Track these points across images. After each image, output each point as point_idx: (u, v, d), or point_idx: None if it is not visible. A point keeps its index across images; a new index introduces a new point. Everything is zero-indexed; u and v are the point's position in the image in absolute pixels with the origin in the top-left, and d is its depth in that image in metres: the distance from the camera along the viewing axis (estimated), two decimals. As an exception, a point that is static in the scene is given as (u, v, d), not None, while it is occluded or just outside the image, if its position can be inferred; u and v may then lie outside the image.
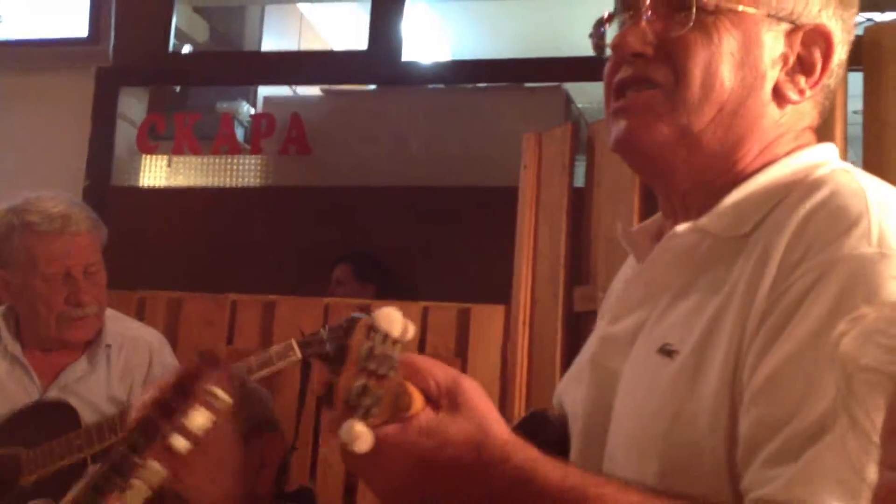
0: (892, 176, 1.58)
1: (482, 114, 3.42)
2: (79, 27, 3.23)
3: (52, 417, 1.91)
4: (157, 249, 3.22)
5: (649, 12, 0.92)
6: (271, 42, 4.19)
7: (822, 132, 1.61)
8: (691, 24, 0.90)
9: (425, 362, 0.79)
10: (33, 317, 1.98)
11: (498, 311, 2.28)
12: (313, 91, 3.88)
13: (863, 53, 1.67)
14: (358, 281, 3.11)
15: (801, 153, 0.93)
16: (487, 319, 2.28)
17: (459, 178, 3.20)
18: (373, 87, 3.74)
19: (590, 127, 2.38)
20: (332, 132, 3.46)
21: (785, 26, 0.92)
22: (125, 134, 3.45)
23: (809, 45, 0.93)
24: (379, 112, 3.51)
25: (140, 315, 2.42)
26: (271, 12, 4.20)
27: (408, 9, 3.30)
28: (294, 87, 4.02)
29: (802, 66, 0.93)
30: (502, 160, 2.72)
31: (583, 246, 2.14)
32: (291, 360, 1.87)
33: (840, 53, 0.94)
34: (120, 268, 2.30)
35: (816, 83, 0.93)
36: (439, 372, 0.78)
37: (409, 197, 3.23)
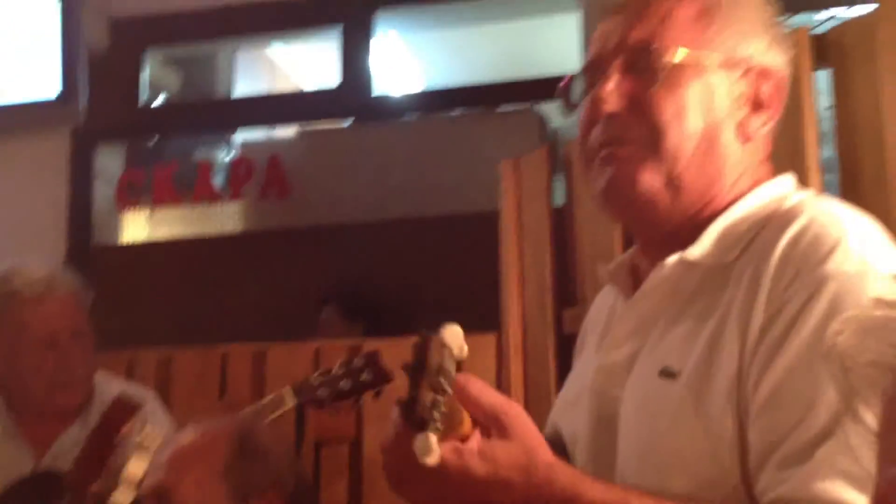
0: (867, 170, 1.59)
1: (459, 141, 3.43)
2: (50, 88, 3.23)
3: (48, 488, 1.88)
4: (143, 305, 3.20)
5: (618, 72, 0.99)
6: (244, 87, 4.20)
7: (794, 131, 1.62)
8: (659, 81, 0.97)
9: (476, 385, 0.86)
10: (23, 385, 1.97)
11: (489, 339, 2.26)
12: (289, 132, 3.88)
13: (829, 52, 1.68)
14: (346, 320, 3.09)
15: (765, 186, 1.01)
16: (480, 349, 2.27)
17: (441, 207, 3.20)
18: (347, 123, 3.74)
19: (566, 146, 2.38)
20: (310, 172, 3.46)
21: (740, 70, 1.00)
22: (104, 191, 3.44)
23: (761, 83, 1.01)
24: (355, 147, 3.52)
25: (130, 375, 2.39)
26: (242, 58, 4.20)
27: (376, 43, 3.32)
28: (269, 129, 4.02)
29: (757, 103, 1.01)
30: (482, 186, 2.72)
31: (568, 267, 2.14)
32: (285, 409, 1.86)
33: (786, 87, 1.03)
34: (107, 328, 2.28)
35: (772, 118, 1.02)
36: (488, 396, 0.85)
37: (392, 230, 3.23)
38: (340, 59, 3.29)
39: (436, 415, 0.78)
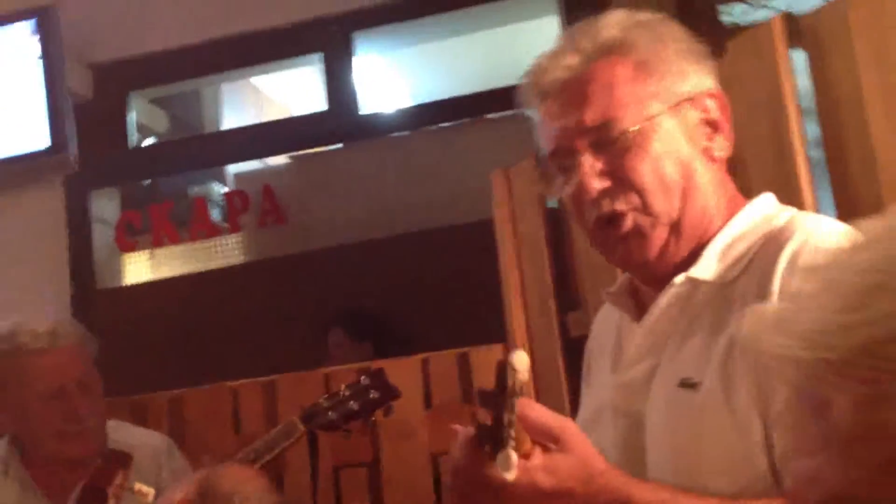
0: (853, 149, 1.59)
1: (450, 152, 3.43)
2: (40, 139, 3.24)
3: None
4: (151, 347, 3.21)
5: (588, 153, 1.06)
6: (232, 119, 4.21)
7: (776, 112, 1.62)
8: (627, 148, 1.04)
9: (532, 405, 0.92)
10: (35, 438, 1.98)
11: (496, 350, 2.26)
12: (281, 159, 3.89)
13: (802, 36, 1.68)
14: (353, 341, 3.10)
15: (751, 206, 1.09)
16: (487, 361, 2.27)
17: (438, 220, 3.21)
18: (338, 145, 3.75)
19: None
20: (305, 197, 3.47)
21: (687, 104, 1.07)
22: (103, 235, 3.45)
23: (707, 106, 1.09)
24: (347, 169, 3.53)
25: (142, 420, 2.39)
26: (227, 91, 4.22)
27: (360, 62, 3.33)
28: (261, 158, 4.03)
29: (712, 124, 1.09)
30: (478, 194, 2.72)
31: (567, 270, 2.14)
32: (297, 436, 1.86)
33: (726, 99, 1.11)
34: (117, 373, 2.28)
35: (729, 135, 1.10)
36: (544, 415, 0.92)
37: (392, 247, 3.23)
38: (325, 84, 3.30)
39: (513, 433, 0.85)
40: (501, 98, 3.40)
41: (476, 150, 3.31)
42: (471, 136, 3.51)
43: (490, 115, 3.62)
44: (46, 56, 3.19)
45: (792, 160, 1.60)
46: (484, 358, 2.28)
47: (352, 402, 1.88)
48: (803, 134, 1.61)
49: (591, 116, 1.05)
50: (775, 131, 1.63)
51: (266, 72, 3.66)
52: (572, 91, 1.06)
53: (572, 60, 1.07)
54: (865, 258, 0.44)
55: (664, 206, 1.05)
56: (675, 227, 1.06)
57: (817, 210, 1.59)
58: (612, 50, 1.07)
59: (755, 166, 1.65)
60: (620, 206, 1.05)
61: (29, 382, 1.93)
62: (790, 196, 1.57)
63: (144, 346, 3.19)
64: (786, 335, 0.45)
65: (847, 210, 1.53)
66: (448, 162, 3.39)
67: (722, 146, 1.09)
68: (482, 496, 0.92)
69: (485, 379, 2.26)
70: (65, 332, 1.99)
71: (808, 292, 0.45)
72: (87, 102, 3.40)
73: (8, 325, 2.01)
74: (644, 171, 1.04)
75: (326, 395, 1.91)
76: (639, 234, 1.05)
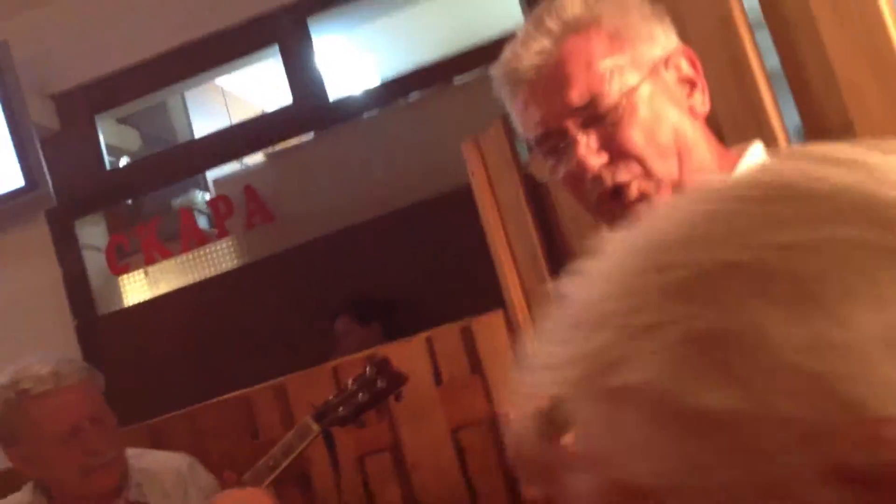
0: (810, 63, 1.57)
1: (423, 123, 3.41)
2: (14, 179, 3.22)
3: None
4: (160, 363, 3.22)
5: (580, 131, 1.06)
6: (204, 125, 4.18)
7: (730, 38, 1.60)
8: (618, 120, 1.05)
9: None
10: (58, 480, 1.98)
11: (497, 317, 2.26)
12: (258, 158, 3.87)
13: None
14: (361, 326, 3.10)
15: (747, 159, 1.11)
16: (490, 329, 2.27)
17: (424, 192, 3.19)
18: (312, 135, 3.72)
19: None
20: (287, 192, 3.45)
21: (661, 67, 1.09)
22: (95, 262, 3.45)
23: (679, 64, 1.11)
24: (325, 157, 3.51)
25: (160, 442, 2.41)
26: (193, 97, 4.18)
27: (322, 46, 3.29)
28: (237, 160, 4.01)
29: (687, 83, 1.11)
30: (458, 160, 2.71)
31: (552, 228, 2.13)
32: (312, 437, 1.87)
33: (695, 54, 1.13)
34: (132, 395, 2.29)
35: (704, 88, 1.11)
36: None
37: (382, 226, 3.22)
38: (287, 75, 3.27)
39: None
40: (467, 61, 3.38)
41: (449, 117, 3.29)
42: (442, 103, 3.48)
43: (458, 82, 3.59)
44: (5, 94, 3.16)
45: (753, 83, 1.59)
46: (486, 327, 2.28)
47: (360, 395, 1.88)
48: (760, 55, 1.60)
49: (576, 95, 1.05)
50: (732, 55, 1.61)
51: (228, 72, 3.62)
52: (550, 74, 1.06)
53: (543, 44, 1.07)
54: (593, 291, 0.46)
55: (664, 168, 1.06)
56: (679, 189, 1.07)
57: (784, 125, 1.58)
58: (581, 27, 1.07)
59: (718, 93, 1.62)
60: (623, 176, 1.06)
61: (41, 428, 1.93)
62: (756, 116, 1.57)
63: (153, 364, 3.21)
64: (530, 370, 0.47)
65: (813, 122, 1.53)
66: (424, 133, 3.37)
67: (702, 101, 1.11)
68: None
69: (490, 348, 2.27)
70: (68, 372, 1.98)
71: (556, 325, 0.47)
72: (56, 133, 3.38)
73: (8, 373, 1.99)
74: (638, 138, 1.06)
75: (335, 392, 1.92)
76: (645, 199, 1.07)
